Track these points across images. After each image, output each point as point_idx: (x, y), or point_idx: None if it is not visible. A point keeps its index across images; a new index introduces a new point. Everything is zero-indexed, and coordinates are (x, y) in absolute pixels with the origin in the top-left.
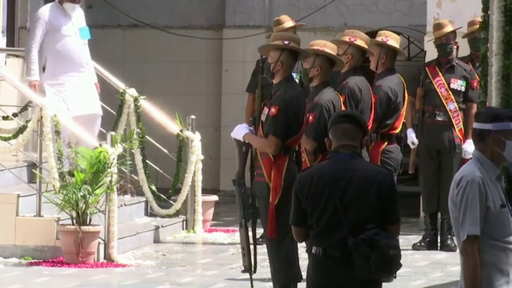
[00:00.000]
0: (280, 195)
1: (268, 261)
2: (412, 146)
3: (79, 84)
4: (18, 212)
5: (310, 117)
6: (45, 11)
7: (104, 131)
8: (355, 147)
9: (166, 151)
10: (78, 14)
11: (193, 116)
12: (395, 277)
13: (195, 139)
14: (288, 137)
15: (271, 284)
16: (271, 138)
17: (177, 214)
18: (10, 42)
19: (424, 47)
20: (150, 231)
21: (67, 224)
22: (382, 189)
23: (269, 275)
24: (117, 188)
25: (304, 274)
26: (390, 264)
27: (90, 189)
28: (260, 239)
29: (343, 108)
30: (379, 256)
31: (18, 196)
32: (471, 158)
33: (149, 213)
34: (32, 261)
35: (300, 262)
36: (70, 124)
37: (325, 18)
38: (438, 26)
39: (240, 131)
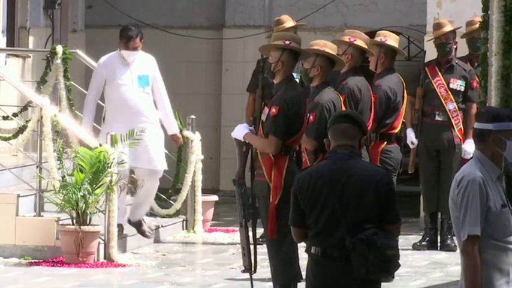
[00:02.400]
0: (281, 195)
1: (268, 261)
2: (411, 146)
3: (138, 135)
4: (18, 212)
5: (311, 117)
6: (103, 60)
7: None
8: (353, 147)
9: (166, 151)
10: (140, 61)
11: (193, 116)
12: (393, 277)
13: (195, 139)
14: (288, 137)
15: (271, 284)
16: (272, 138)
17: (177, 214)
18: (10, 42)
19: (424, 47)
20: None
21: (67, 224)
22: (380, 189)
23: (269, 275)
24: (117, 188)
25: (304, 274)
26: (388, 264)
27: (90, 189)
28: (260, 239)
29: (343, 108)
30: (377, 256)
31: (18, 196)
32: (471, 158)
33: (149, 213)
34: (32, 261)
35: (300, 262)
36: (70, 124)
37: (325, 18)
38: (438, 26)
39: (241, 131)
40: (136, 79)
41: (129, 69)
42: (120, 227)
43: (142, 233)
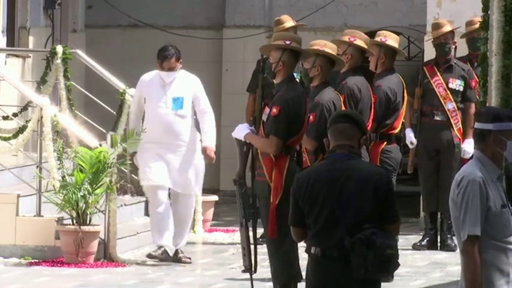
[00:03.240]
0: (281, 195)
1: (268, 261)
2: (410, 146)
3: (169, 156)
4: (18, 212)
5: (311, 117)
6: (143, 77)
7: (104, 131)
8: (352, 147)
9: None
10: (179, 82)
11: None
12: (393, 277)
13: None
14: (289, 137)
15: (271, 284)
16: (272, 139)
17: None
18: (10, 42)
19: (423, 47)
20: (150, 231)
21: (67, 224)
22: (379, 189)
23: (269, 275)
24: (117, 188)
25: (304, 274)
26: (388, 264)
27: (90, 189)
28: (260, 239)
29: (343, 108)
30: (376, 256)
31: (18, 196)
32: (470, 158)
33: (149, 213)
34: (32, 261)
35: (300, 262)
36: (70, 124)
37: (325, 18)
38: (436, 26)
39: (241, 131)
40: (171, 101)
41: (165, 90)
42: (162, 249)
43: (179, 260)
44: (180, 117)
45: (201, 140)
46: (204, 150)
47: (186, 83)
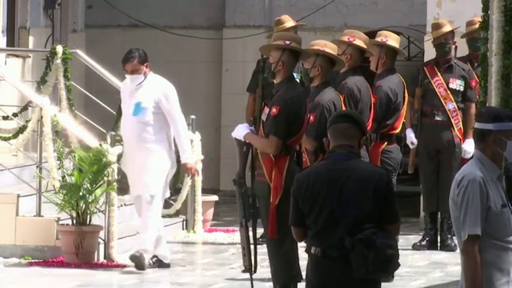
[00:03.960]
0: (281, 196)
1: (268, 261)
2: (411, 146)
3: (134, 163)
4: (18, 212)
5: (311, 117)
6: (123, 83)
7: (104, 131)
8: (352, 147)
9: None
10: (147, 87)
11: (193, 116)
12: (393, 277)
13: (195, 139)
14: (288, 137)
15: (271, 284)
16: (272, 139)
17: (177, 214)
18: (10, 42)
19: (423, 47)
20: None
21: (67, 224)
22: (379, 189)
23: (269, 275)
24: (117, 188)
25: (304, 274)
26: (388, 264)
27: (90, 189)
28: (260, 239)
29: (343, 108)
30: (376, 256)
31: (18, 196)
32: (471, 158)
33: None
34: (32, 261)
35: (300, 262)
36: (70, 124)
37: (325, 18)
38: (436, 26)
39: (241, 131)
40: (133, 107)
41: (131, 95)
42: (156, 258)
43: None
44: (142, 123)
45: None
46: (184, 168)
47: (154, 88)
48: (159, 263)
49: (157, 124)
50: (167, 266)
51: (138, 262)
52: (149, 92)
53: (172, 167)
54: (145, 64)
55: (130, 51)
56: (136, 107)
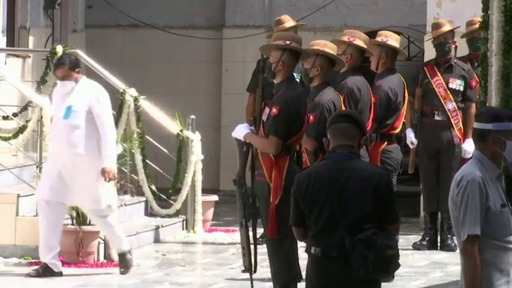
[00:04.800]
0: (281, 196)
1: (268, 261)
2: (411, 146)
3: (62, 169)
4: (18, 212)
5: (311, 117)
6: (54, 89)
7: None
8: (352, 147)
9: (166, 151)
10: (77, 93)
11: (193, 116)
12: (393, 277)
13: (195, 139)
14: (288, 137)
15: (271, 284)
16: (272, 139)
17: (177, 214)
18: (10, 42)
19: (423, 47)
20: (150, 231)
21: (67, 224)
22: (379, 189)
23: (269, 275)
24: (117, 188)
25: (304, 274)
26: (388, 264)
27: None
28: (260, 239)
29: (343, 108)
30: (377, 256)
31: (18, 196)
32: (471, 158)
33: (149, 213)
34: (32, 261)
35: (300, 262)
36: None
37: (325, 18)
38: (436, 26)
39: (241, 131)
40: (64, 110)
41: (63, 100)
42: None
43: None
44: (72, 127)
45: None
46: (102, 172)
47: (85, 93)
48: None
49: (87, 129)
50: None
51: (127, 263)
52: (81, 96)
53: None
54: (76, 70)
55: (61, 57)
56: (67, 110)
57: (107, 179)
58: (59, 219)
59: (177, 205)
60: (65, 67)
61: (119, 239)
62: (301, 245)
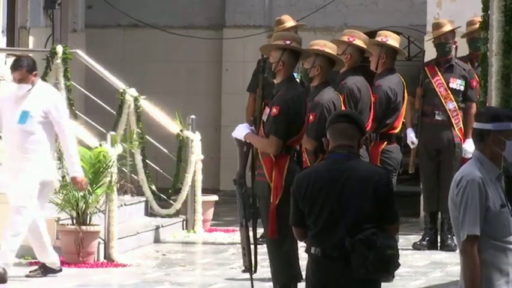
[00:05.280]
0: (281, 196)
1: (268, 261)
2: (411, 146)
3: (15, 171)
4: None
5: (311, 117)
6: (3, 92)
7: (104, 131)
8: (352, 147)
9: (166, 151)
10: (33, 97)
11: (193, 116)
12: (393, 277)
13: (195, 139)
14: (289, 137)
15: (271, 284)
16: (272, 139)
17: (177, 214)
18: (10, 42)
19: (424, 47)
20: (150, 231)
21: (67, 224)
22: (379, 189)
23: (269, 275)
24: (117, 188)
25: (304, 274)
26: (388, 264)
27: (90, 189)
28: (260, 239)
29: (343, 108)
30: (377, 256)
31: None
32: (471, 158)
33: (149, 213)
34: (32, 261)
35: (300, 262)
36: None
37: (325, 18)
38: (437, 26)
39: (241, 131)
40: (19, 114)
41: (18, 103)
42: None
43: None
44: (26, 132)
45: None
46: (72, 181)
47: (41, 97)
48: (49, 271)
49: (42, 134)
50: (58, 271)
51: (1, 278)
52: (37, 101)
53: (50, 180)
54: (33, 73)
55: (18, 59)
56: (22, 114)
57: (80, 189)
58: (34, 222)
59: (177, 205)
60: (23, 69)
61: (7, 251)
62: (301, 245)
